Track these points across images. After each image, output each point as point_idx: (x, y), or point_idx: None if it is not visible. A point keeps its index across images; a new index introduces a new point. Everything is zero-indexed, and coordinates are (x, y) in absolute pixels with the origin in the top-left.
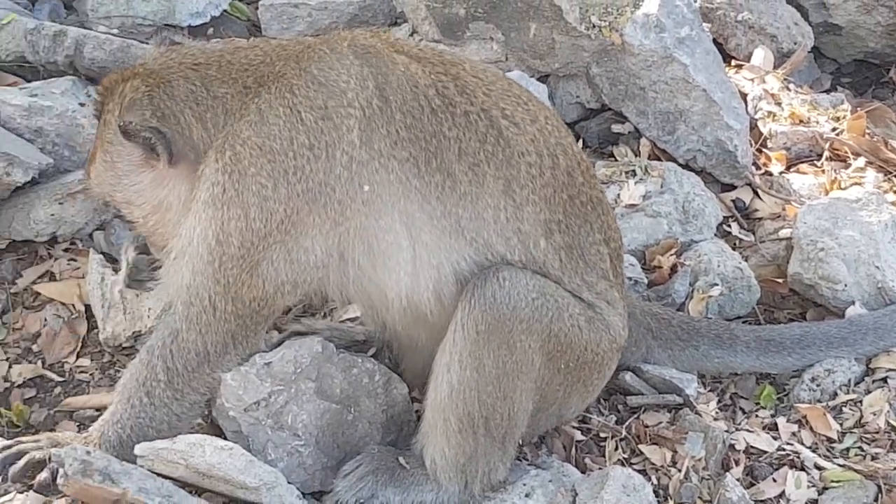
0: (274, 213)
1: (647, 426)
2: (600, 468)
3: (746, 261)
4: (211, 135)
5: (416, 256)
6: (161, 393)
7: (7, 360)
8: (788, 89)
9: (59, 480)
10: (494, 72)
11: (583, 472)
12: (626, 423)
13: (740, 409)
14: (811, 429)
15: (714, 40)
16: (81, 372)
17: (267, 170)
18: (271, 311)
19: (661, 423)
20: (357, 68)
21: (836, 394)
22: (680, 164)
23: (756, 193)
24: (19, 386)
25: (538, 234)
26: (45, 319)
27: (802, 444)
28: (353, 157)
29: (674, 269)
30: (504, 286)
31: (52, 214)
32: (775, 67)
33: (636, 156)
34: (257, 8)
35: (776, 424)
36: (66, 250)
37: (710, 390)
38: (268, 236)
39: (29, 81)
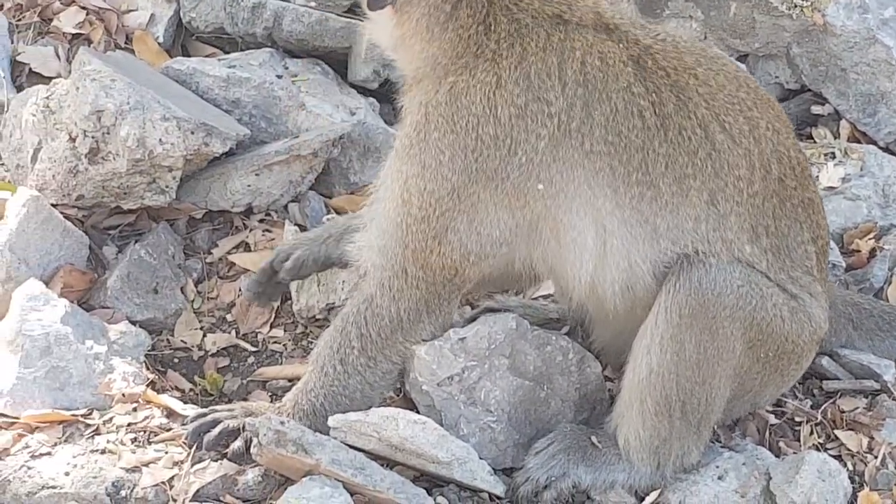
0: (446, 180)
1: (843, 411)
2: (795, 452)
3: None
4: (423, 36)
5: (605, 254)
6: (355, 360)
7: (202, 328)
8: None
9: (253, 450)
10: (728, 73)
11: (777, 456)
12: (822, 408)
13: None
14: None
15: None
16: (275, 342)
17: (448, 139)
18: (462, 281)
19: (857, 408)
20: (572, 89)
21: None
22: (880, 147)
23: None
24: (213, 355)
25: (743, 240)
26: (240, 290)
27: None
28: (532, 160)
29: (872, 253)
30: (710, 272)
31: (249, 185)
32: None
33: (835, 138)
34: None
35: None
36: (261, 221)
37: None
38: (441, 201)
39: (227, 53)
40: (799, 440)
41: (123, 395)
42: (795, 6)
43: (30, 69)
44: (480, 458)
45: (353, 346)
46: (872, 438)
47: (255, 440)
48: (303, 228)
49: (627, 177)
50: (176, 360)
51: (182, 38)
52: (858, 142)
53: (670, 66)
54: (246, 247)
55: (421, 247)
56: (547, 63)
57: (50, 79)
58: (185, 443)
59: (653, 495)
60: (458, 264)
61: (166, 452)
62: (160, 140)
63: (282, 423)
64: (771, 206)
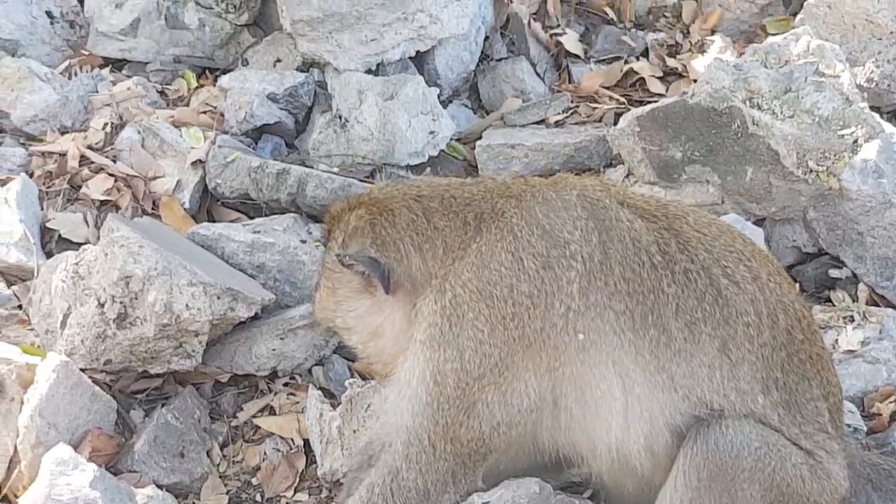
0: (488, 357)
1: None
2: None
3: None
4: (429, 266)
5: (628, 407)
6: None
7: (227, 493)
8: None
9: None
10: (720, 225)
11: None
12: None
13: None
14: None
15: None
16: None
17: (485, 314)
18: (489, 450)
19: None
20: (583, 222)
21: None
22: None
23: None
24: None
25: (756, 391)
26: (265, 453)
27: None
28: (570, 307)
29: (893, 416)
30: (727, 434)
31: (274, 349)
32: None
33: (854, 301)
34: (474, 148)
35: None
36: (285, 385)
37: None
38: (481, 377)
39: (252, 218)
40: None
41: None
42: (811, 171)
43: (59, 235)
44: None
45: None
46: None
47: None
48: (326, 392)
49: (643, 319)
50: None
51: (208, 204)
52: (877, 305)
53: (660, 214)
54: (271, 410)
55: (451, 422)
56: (553, 208)
57: (79, 245)
58: None
59: None
60: (486, 435)
61: None
62: (187, 305)
63: None
64: (780, 358)
